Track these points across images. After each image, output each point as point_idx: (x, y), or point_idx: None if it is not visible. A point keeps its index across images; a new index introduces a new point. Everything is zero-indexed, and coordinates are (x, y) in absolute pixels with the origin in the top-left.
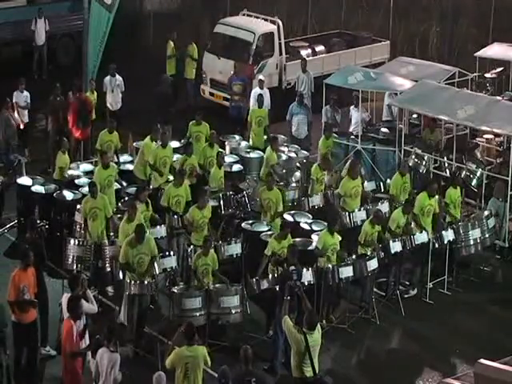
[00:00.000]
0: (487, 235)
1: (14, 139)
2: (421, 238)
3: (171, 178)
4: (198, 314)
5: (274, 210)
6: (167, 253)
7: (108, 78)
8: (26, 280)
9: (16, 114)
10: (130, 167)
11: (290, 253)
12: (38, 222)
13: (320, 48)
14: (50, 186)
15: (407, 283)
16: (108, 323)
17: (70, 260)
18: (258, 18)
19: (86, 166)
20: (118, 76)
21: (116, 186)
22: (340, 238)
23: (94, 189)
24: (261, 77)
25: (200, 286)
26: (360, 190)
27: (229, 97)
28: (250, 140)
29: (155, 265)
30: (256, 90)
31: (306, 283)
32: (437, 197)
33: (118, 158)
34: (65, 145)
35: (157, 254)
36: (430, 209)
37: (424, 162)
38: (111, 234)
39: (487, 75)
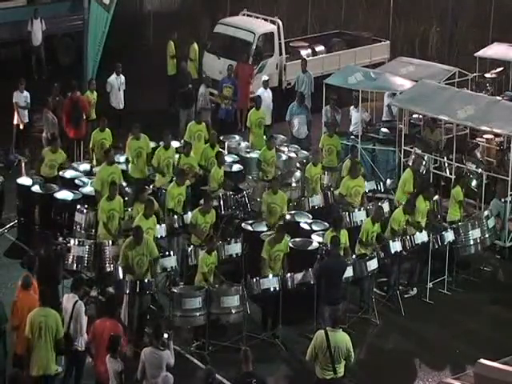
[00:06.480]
0: (487, 235)
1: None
2: (421, 237)
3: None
4: (198, 314)
5: (280, 214)
6: (167, 253)
7: (113, 76)
8: (28, 302)
9: (16, 114)
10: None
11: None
12: (61, 239)
13: (320, 48)
14: (51, 186)
15: (406, 283)
16: (154, 321)
17: (69, 260)
18: (258, 18)
19: (86, 166)
20: (121, 75)
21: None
22: (345, 235)
23: (113, 189)
24: (265, 77)
25: (209, 284)
26: (361, 189)
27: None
28: (250, 142)
29: (157, 265)
30: (261, 90)
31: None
32: (437, 197)
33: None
34: (55, 144)
35: (157, 254)
36: (425, 211)
37: (424, 162)
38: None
39: (487, 75)
